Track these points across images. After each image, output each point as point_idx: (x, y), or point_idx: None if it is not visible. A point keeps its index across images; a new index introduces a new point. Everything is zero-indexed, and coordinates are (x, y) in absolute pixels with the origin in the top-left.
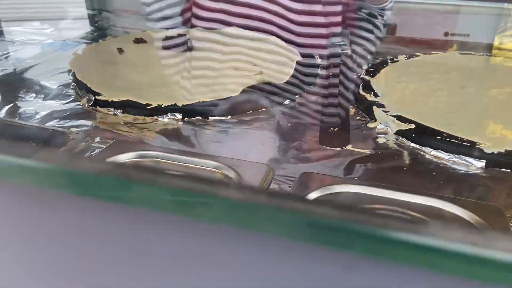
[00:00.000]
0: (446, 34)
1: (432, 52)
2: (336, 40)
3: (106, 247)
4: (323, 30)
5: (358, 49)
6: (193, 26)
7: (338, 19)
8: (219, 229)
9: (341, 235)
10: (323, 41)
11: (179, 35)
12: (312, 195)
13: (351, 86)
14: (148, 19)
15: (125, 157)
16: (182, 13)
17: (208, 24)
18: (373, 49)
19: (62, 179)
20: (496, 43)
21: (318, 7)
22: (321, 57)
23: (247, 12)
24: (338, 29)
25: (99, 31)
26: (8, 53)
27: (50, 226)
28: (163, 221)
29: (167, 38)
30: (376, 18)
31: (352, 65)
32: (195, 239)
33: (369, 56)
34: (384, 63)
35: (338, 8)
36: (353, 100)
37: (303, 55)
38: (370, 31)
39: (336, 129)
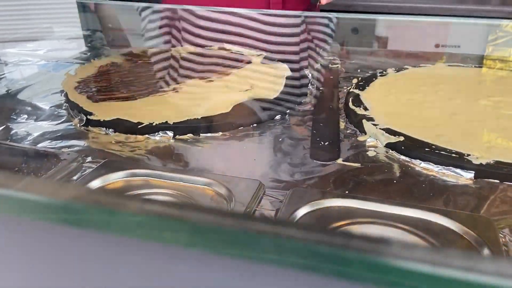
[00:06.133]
0: (437, 45)
1: (421, 65)
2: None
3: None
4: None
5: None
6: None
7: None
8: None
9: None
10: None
11: (162, 52)
12: (302, 211)
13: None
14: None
15: (116, 177)
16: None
17: (197, 41)
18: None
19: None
20: (488, 52)
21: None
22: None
23: (230, 30)
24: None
25: (93, 51)
26: (2, 74)
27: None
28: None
29: (153, 55)
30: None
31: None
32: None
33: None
34: (373, 77)
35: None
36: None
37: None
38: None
39: (327, 143)
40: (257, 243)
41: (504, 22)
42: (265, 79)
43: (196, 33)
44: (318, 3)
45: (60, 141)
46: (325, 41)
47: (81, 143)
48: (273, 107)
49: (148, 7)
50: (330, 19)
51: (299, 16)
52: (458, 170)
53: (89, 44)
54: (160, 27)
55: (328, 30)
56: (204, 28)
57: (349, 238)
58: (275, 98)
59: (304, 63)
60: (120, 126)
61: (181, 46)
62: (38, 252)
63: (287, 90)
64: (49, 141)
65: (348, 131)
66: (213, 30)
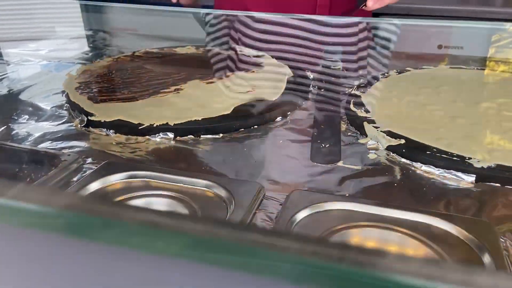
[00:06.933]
0: (440, 47)
1: (423, 67)
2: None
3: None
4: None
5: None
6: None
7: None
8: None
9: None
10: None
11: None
12: (302, 214)
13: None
14: None
15: (116, 178)
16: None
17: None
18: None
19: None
20: (491, 54)
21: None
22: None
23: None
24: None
25: (95, 51)
26: (5, 74)
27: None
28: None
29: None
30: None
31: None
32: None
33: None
34: (375, 79)
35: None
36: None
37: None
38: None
39: (328, 145)
40: (251, 254)
41: (508, 23)
42: (266, 81)
43: (252, 36)
44: (363, 6)
45: (61, 142)
46: (385, 47)
47: (82, 144)
48: (274, 109)
49: (210, 13)
50: (396, 25)
51: (360, 22)
52: (459, 174)
53: (91, 45)
54: (219, 30)
55: (391, 36)
56: (258, 31)
57: (343, 250)
58: (276, 100)
59: (363, 63)
60: (121, 127)
61: (239, 48)
62: (33, 262)
63: (289, 91)
64: (49, 141)
65: (349, 134)
66: (269, 33)
